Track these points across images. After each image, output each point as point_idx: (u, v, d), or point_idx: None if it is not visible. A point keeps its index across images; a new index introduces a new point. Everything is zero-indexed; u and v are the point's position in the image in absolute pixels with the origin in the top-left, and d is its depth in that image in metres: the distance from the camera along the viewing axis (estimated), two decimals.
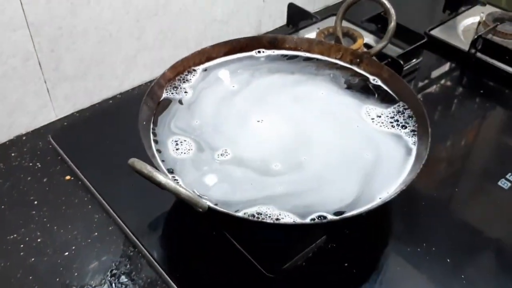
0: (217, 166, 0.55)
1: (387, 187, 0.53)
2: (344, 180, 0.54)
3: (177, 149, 0.57)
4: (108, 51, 0.77)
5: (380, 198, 0.51)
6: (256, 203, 0.51)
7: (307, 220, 0.49)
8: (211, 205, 0.48)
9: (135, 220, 0.60)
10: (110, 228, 0.61)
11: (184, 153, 0.56)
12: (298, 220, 0.49)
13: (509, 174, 0.67)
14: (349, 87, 0.67)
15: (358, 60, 0.70)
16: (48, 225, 0.61)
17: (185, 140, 0.58)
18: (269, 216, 0.49)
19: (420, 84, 0.86)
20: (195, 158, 0.56)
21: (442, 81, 0.87)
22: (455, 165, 0.72)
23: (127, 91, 0.83)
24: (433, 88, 0.86)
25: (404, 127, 0.61)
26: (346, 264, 0.56)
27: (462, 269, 0.56)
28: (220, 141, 0.58)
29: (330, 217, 0.49)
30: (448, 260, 0.57)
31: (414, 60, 0.88)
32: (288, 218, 0.49)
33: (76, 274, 0.56)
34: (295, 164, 0.56)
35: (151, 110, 0.61)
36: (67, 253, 0.58)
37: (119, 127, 0.73)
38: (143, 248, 0.58)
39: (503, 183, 0.66)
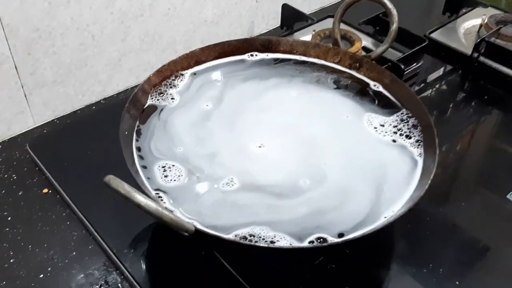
0: (221, 195, 0.50)
1: (393, 204, 0.49)
2: (360, 195, 0.51)
3: (165, 176, 0.51)
4: (90, 54, 0.73)
5: (385, 217, 0.47)
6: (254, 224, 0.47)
7: (305, 244, 0.44)
8: (199, 226, 0.43)
9: (117, 238, 0.56)
10: (90, 247, 0.57)
11: (175, 180, 0.51)
12: (295, 244, 0.44)
13: None
14: (339, 87, 0.64)
15: (357, 64, 0.66)
16: (22, 243, 0.57)
17: (173, 165, 0.53)
18: (263, 239, 0.45)
19: (421, 89, 0.83)
20: (189, 185, 0.51)
21: (444, 86, 0.84)
22: (460, 177, 0.68)
23: (111, 96, 0.80)
24: (434, 94, 0.82)
25: (408, 137, 0.57)
26: (346, 287, 0.52)
27: None
28: (221, 170, 0.52)
29: (331, 239, 0.45)
30: (457, 283, 0.53)
31: (414, 64, 0.84)
32: (284, 240, 0.45)
33: None
34: (320, 174, 0.52)
35: (135, 118, 0.56)
36: (42, 276, 0.54)
37: (102, 135, 0.68)
38: (125, 270, 0.54)
39: None
